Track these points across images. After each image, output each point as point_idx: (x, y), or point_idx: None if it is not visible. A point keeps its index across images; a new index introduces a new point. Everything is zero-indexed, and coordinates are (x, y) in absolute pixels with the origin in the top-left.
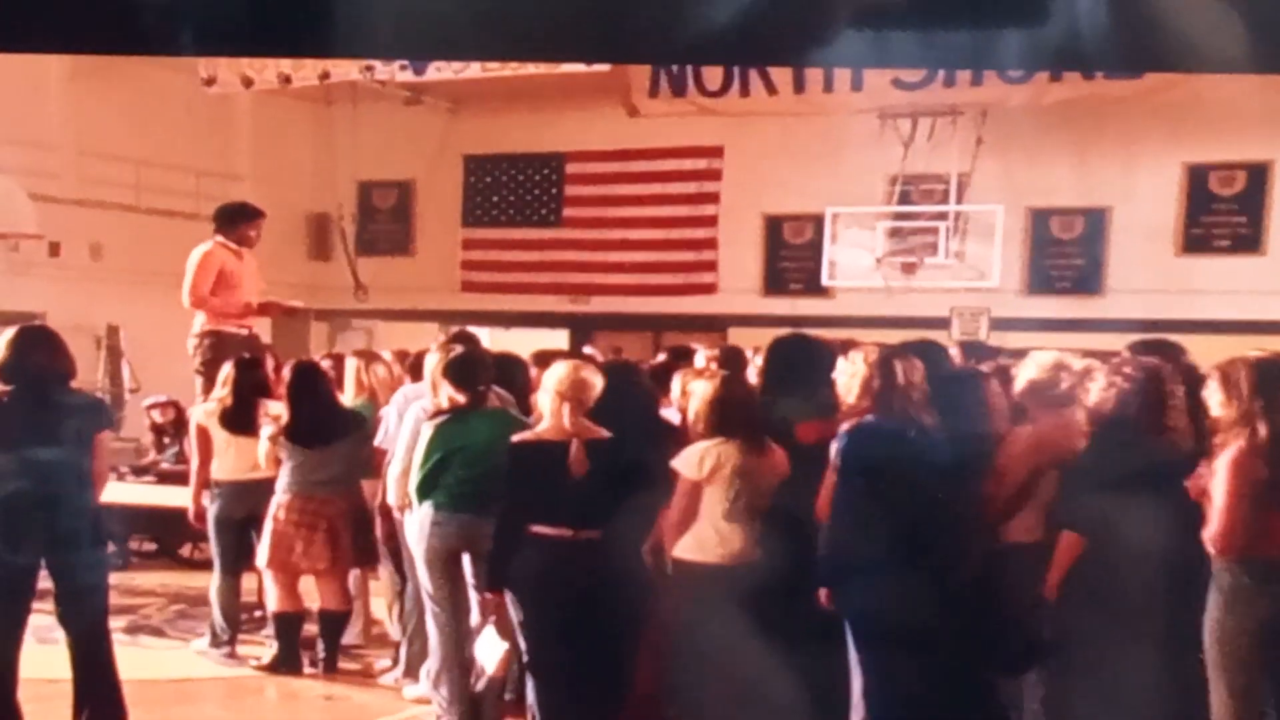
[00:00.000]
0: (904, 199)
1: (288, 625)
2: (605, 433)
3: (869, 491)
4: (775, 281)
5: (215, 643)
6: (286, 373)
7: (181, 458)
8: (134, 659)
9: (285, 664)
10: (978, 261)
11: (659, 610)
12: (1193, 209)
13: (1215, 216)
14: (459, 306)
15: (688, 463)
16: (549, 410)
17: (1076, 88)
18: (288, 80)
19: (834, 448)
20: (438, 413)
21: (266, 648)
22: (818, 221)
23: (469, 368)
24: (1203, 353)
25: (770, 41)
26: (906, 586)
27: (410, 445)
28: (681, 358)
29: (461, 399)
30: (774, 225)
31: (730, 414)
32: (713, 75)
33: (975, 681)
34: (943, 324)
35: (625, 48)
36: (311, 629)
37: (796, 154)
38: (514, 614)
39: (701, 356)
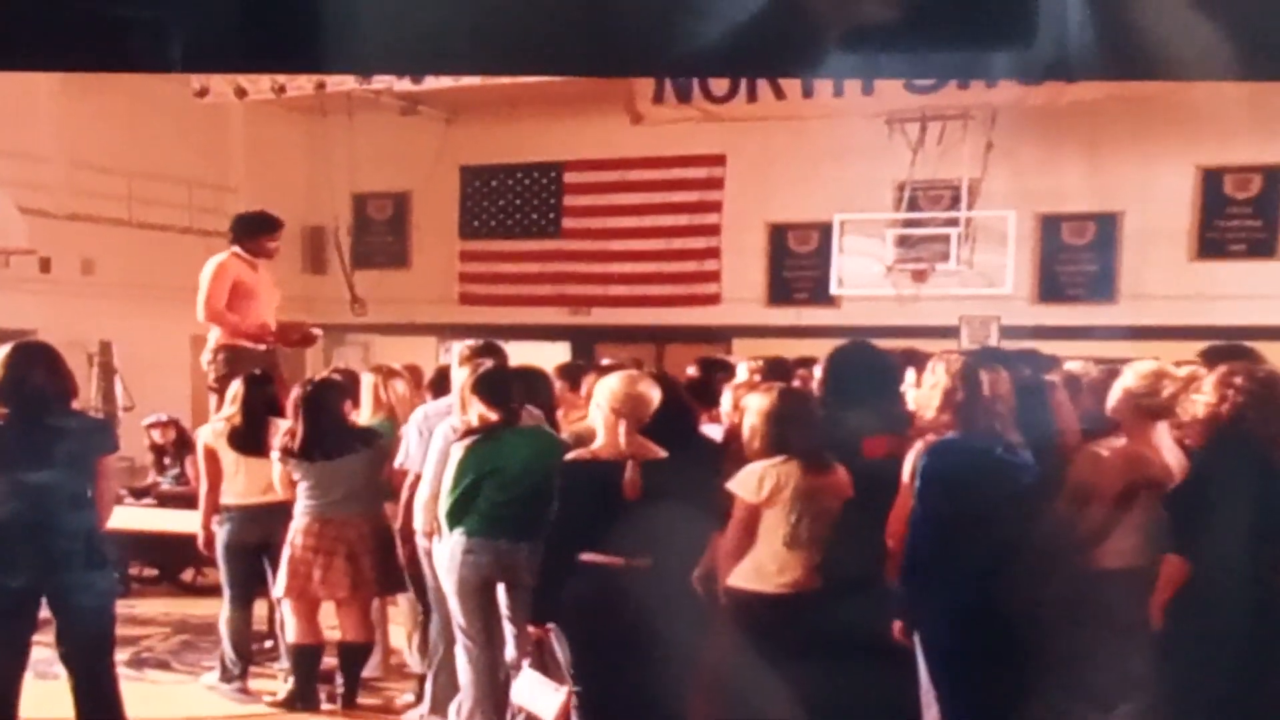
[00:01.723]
0: (911, 205)
1: (306, 658)
2: (661, 452)
3: (953, 515)
4: (780, 291)
5: (226, 677)
6: (296, 389)
7: (183, 479)
8: (140, 695)
9: (302, 700)
10: (987, 268)
11: (713, 644)
12: (1207, 213)
13: (1230, 220)
14: (457, 319)
15: (745, 484)
16: (603, 427)
17: (1094, 88)
18: (282, 90)
19: (908, 466)
20: (468, 432)
21: (280, 681)
22: (822, 229)
23: (501, 383)
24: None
25: (769, 53)
26: (992, 617)
27: (439, 468)
28: (717, 370)
29: (494, 416)
30: (778, 234)
31: (790, 430)
32: (719, 80)
33: (1064, 717)
34: (951, 333)
35: (625, 60)
36: (329, 660)
37: (800, 162)
38: (559, 649)
39: (743, 369)
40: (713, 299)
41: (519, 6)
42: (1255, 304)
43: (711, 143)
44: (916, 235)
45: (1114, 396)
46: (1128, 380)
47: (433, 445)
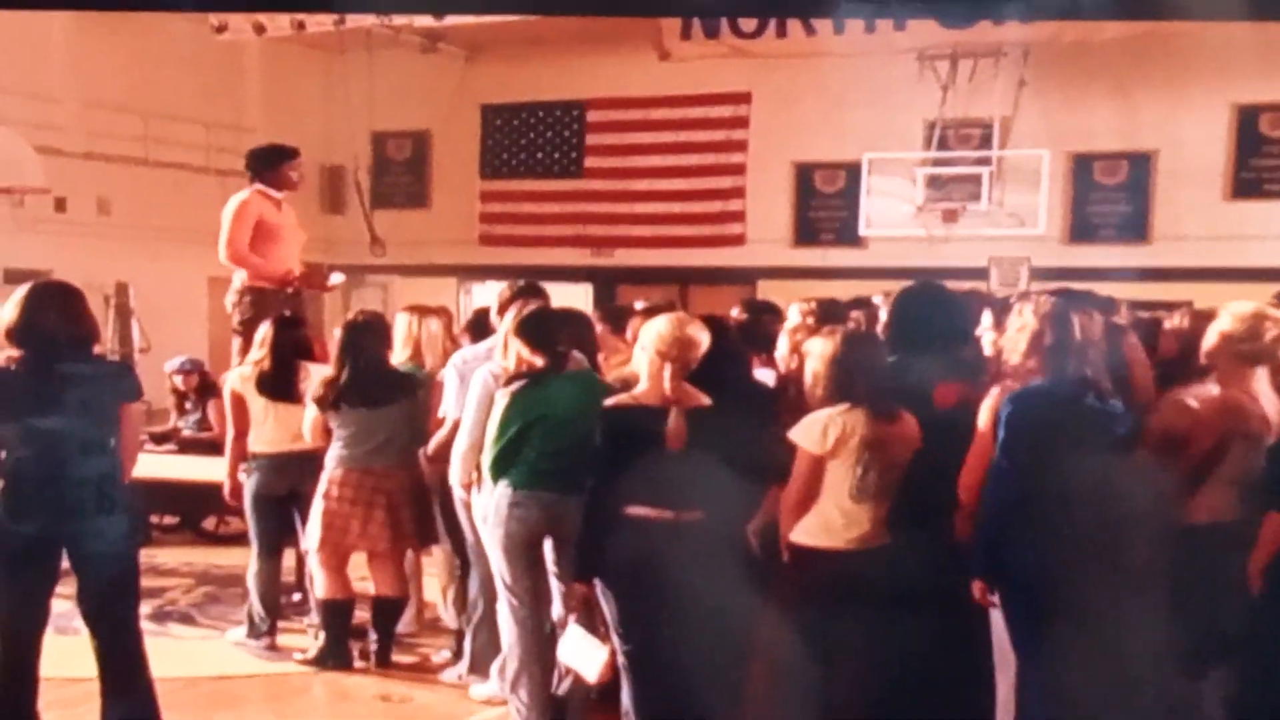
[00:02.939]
0: (941, 144)
1: (337, 614)
2: (706, 399)
3: (1041, 467)
4: (806, 232)
5: (254, 633)
6: (337, 331)
7: (204, 424)
8: (165, 652)
9: (333, 657)
10: (1017, 208)
11: (774, 603)
12: (1242, 151)
13: (1266, 159)
14: (477, 260)
15: (808, 434)
16: (647, 372)
17: (1127, 24)
18: (301, 26)
19: (984, 415)
20: (513, 378)
21: (309, 637)
22: (849, 169)
23: (547, 325)
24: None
25: None
26: (1080, 575)
27: (480, 416)
28: (763, 312)
29: (539, 361)
30: (804, 173)
31: (856, 376)
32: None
33: (1150, 681)
34: (980, 274)
35: None
36: (359, 615)
37: (827, 100)
38: (606, 608)
39: (795, 311)
40: (737, 239)
41: None
42: None
43: (736, 80)
44: (947, 175)
45: (1209, 341)
46: (1224, 324)
47: (470, 392)
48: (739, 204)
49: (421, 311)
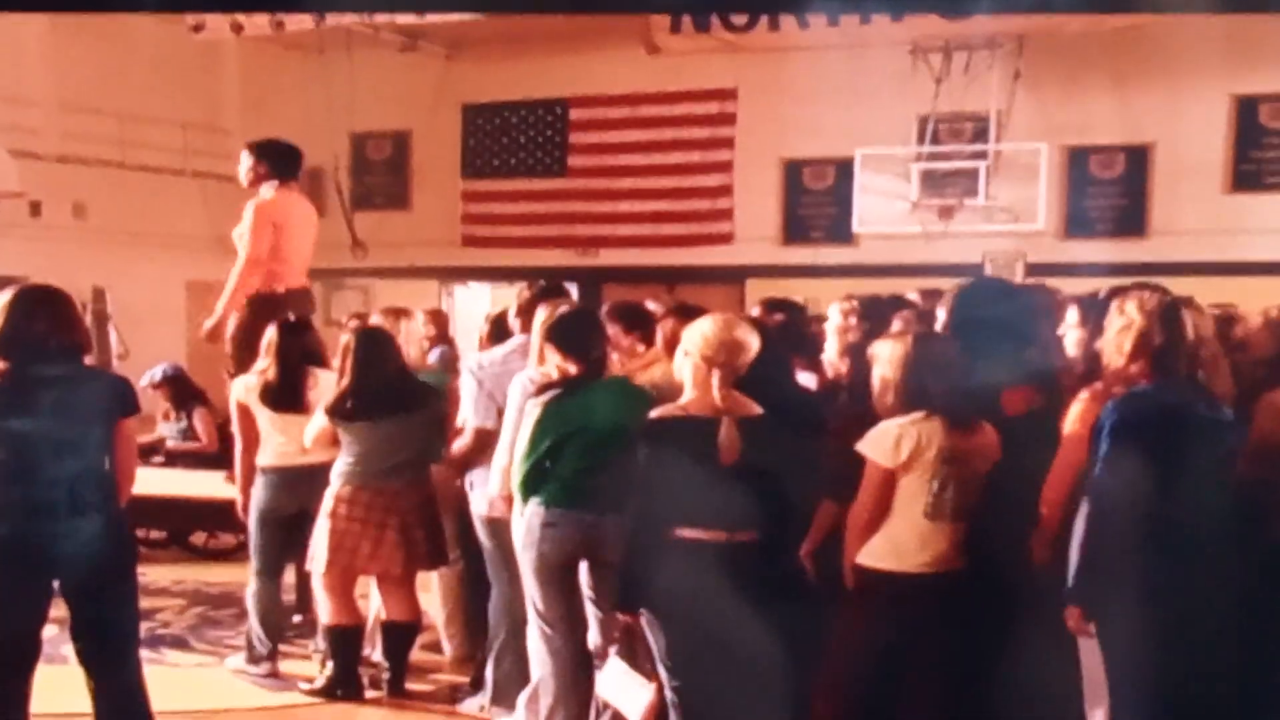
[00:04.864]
0: (934, 139)
1: (346, 641)
2: (757, 408)
3: (1150, 482)
4: (795, 229)
5: (254, 659)
6: (345, 336)
7: (190, 434)
8: (160, 681)
9: (342, 687)
10: (1012, 203)
11: (839, 633)
12: (1242, 143)
13: (1266, 151)
14: (460, 262)
15: (879, 445)
16: (692, 379)
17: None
18: (280, 25)
19: (1074, 422)
20: (545, 387)
21: (314, 663)
22: (839, 165)
23: (581, 329)
24: (1254, 298)
25: None
26: (1195, 603)
27: (516, 428)
28: (793, 312)
29: (573, 369)
30: (793, 170)
31: (932, 382)
32: None
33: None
34: (975, 271)
35: None
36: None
37: (815, 95)
38: (652, 640)
39: (836, 310)
40: (726, 238)
41: None
42: None
43: (723, 76)
44: (943, 170)
45: None
46: None
47: (510, 402)
48: (727, 202)
49: (397, 314)
